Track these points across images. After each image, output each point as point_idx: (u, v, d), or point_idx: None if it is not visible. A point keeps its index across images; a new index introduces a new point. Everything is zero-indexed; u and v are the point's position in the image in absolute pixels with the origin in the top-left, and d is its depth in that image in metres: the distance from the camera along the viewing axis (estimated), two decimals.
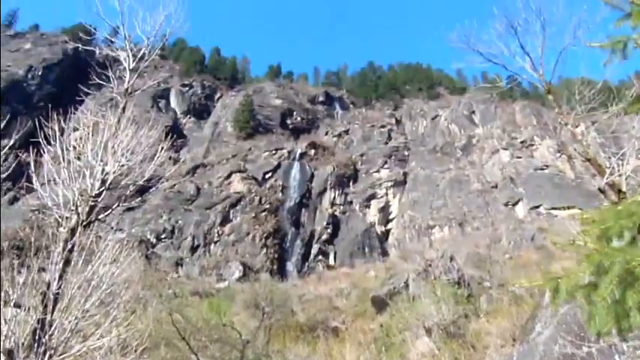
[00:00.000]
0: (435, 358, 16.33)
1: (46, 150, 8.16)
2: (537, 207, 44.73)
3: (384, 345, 18.14)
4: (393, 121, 64.58)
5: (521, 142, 54.27)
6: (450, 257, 25.39)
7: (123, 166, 8.36)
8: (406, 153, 57.44)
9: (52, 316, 6.98)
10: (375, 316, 22.75)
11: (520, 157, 52.32)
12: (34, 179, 8.04)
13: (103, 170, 8.27)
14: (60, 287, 7.27)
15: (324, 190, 48.73)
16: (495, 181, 51.17)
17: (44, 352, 6.48)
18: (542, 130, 52.70)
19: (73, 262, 7.61)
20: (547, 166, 49.87)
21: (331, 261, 42.61)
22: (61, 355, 6.60)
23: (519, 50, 10.00)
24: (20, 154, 8.49)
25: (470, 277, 25.06)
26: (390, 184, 52.76)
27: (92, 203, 8.17)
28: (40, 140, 8.19)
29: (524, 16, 10.03)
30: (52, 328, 6.90)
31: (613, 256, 2.65)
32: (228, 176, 45.53)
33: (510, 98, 60.51)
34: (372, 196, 51.41)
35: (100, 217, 8.48)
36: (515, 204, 46.86)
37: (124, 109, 9.17)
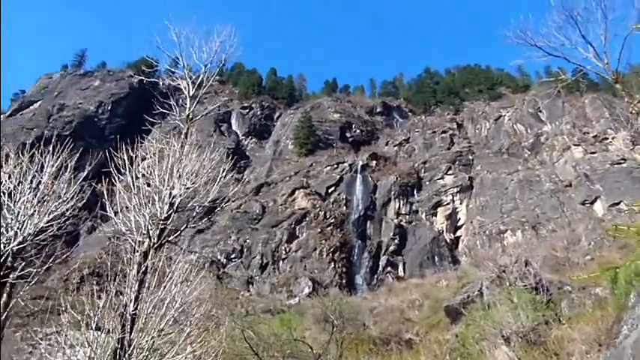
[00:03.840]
0: None
1: (117, 179, 8.63)
2: (617, 204, 42.07)
3: (460, 356, 17.60)
4: (455, 125, 63.20)
5: (594, 137, 51.45)
6: (525, 262, 24.35)
7: (188, 188, 8.71)
8: (470, 157, 55.94)
9: (130, 335, 7.31)
10: (449, 326, 22.15)
11: (594, 153, 49.55)
12: (108, 207, 8.52)
13: (171, 194, 8.63)
14: (136, 308, 7.61)
15: (389, 200, 48.31)
16: (569, 179, 48.73)
17: None
18: (615, 122, 49.77)
19: (147, 284, 7.96)
20: (624, 159, 46.92)
21: (400, 272, 42.01)
22: None
23: (580, 40, 9.55)
24: (94, 185, 9.01)
25: (548, 281, 23.88)
26: (455, 190, 51.52)
27: (162, 226, 8.52)
28: (112, 170, 8.68)
29: (584, 5, 9.58)
30: (131, 348, 7.22)
31: None
32: (292, 193, 46.16)
33: (578, 92, 57.61)
34: (438, 204, 50.39)
35: (170, 238, 8.83)
36: (592, 202, 44.36)
37: (186, 134, 9.58)
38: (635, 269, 2.54)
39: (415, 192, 50.96)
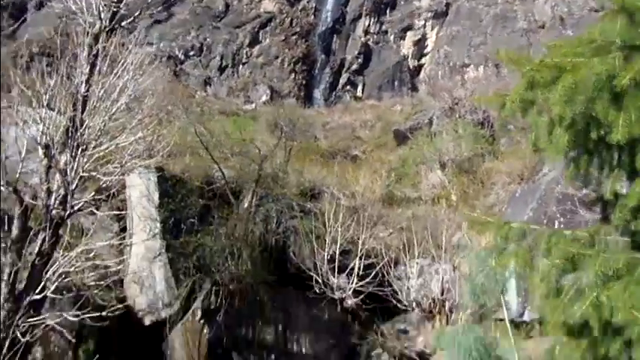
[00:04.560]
0: (444, 190, 17.22)
1: None
2: None
3: (398, 175, 19.05)
4: None
5: None
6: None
7: None
8: None
9: (82, 116, 7.50)
10: (394, 148, 23.40)
11: None
12: None
13: None
14: (88, 90, 7.68)
15: (359, 16, 46.46)
16: (544, 20, 47.81)
17: (77, 147, 7.12)
18: None
19: (98, 68, 7.92)
20: (603, 8, 45.90)
21: (359, 92, 42.49)
22: (92, 150, 7.25)
23: None
24: None
25: (495, 118, 24.97)
26: (429, 14, 49.75)
27: (114, 9, 8.19)
28: None
29: None
30: (83, 128, 7.46)
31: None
32: None
33: None
34: (409, 27, 48.99)
35: (123, 23, 8.55)
36: None
37: None
38: (520, 98, 2.82)
39: (388, 11, 48.96)
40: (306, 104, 35.86)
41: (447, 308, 11.39)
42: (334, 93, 43.62)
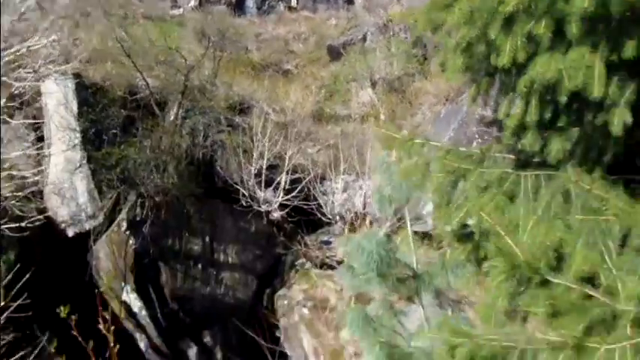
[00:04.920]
0: (373, 107, 17.53)
1: None
2: None
3: (329, 91, 19.10)
4: None
5: None
6: (413, 12, 24.92)
7: None
8: None
9: None
10: (327, 64, 23.15)
11: None
12: None
13: None
14: None
15: None
16: None
17: None
18: None
19: None
20: None
21: (293, 2, 40.98)
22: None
23: None
24: None
25: (429, 39, 25.08)
26: None
27: None
28: None
29: None
30: None
31: None
32: None
33: None
34: None
35: None
36: None
37: None
38: (429, 18, 2.94)
39: None
40: (238, 13, 34.14)
41: (367, 221, 12.02)
42: (267, 2, 41.77)
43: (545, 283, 2.25)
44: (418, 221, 10.33)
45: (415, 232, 10.55)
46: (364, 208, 12.31)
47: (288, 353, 10.79)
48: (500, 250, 2.22)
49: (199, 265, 12.26)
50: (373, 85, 18.66)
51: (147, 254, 11.82)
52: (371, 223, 11.70)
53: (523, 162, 3.52)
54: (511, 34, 2.62)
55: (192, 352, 11.68)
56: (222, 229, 12.53)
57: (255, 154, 12.50)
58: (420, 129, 15.95)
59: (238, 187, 12.10)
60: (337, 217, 12.40)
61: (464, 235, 3.38)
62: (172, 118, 12.79)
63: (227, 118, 13.46)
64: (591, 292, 2.18)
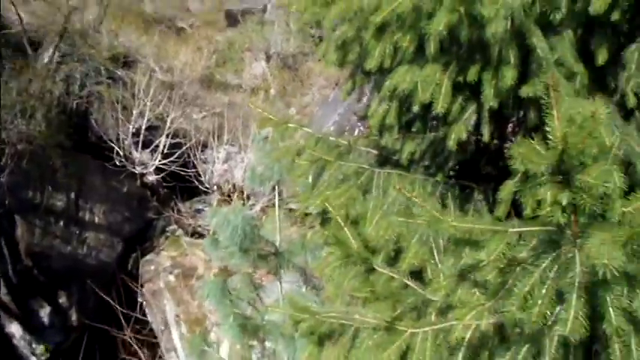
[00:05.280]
0: (265, 81, 17.51)
1: None
2: None
3: (222, 58, 18.69)
4: None
5: None
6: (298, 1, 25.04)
7: None
8: None
9: None
10: (224, 28, 22.56)
11: None
12: None
13: None
14: None
15: None
16: None
17: None
18: None
19: None
20: None
21: None
22: None
23: None
24: None
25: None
26: None
27: None
28: None
29: None
30: None
31: None
32: None
33: None
34: None
35: None
36: None
37: None
38: (309, 10, 3.09)
39: None
40: None
41: (245, 194, 12.09)
42: None
43: (372, 271, 2.54)
44: (295, 198, 10.62)
45: (291, 210, 10.87)
46: (243, 181, 12.36)
47: (149, 319, 10.63)
48: (338, 239, 2.46)
49: (61, 222, 11.52)
50: (268, 58, 18.58)
51: (1, 204, 10.85)
52: (248, 197, 11.78)
53: (384, 158, 3.83)
54: (381, 41, 2.83)
55: (45, 312, 11.02)
56: (91, 186, 11.86)
57: (135, 112, 11.94)
58: (307, 109, 16.29)
59: (113, 145, 11.51)
60: (215, 187, 12.32)
61: (324, 219, 3.60)
62: (46, 61, 11.75)
63: (108, 69, 12.64)
64: (408, 282, 2.51)
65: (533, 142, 1.65)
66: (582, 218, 1.84)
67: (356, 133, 13.08)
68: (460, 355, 2.04)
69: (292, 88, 17.89)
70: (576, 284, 1.76)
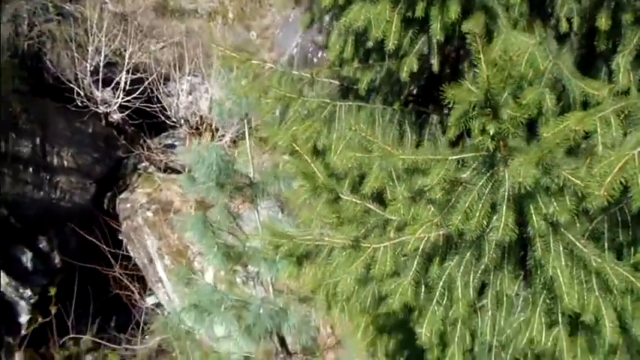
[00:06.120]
0: (221, 4, 16.89)
1: None
2: None
3: None
4: None
5: None
6: None
7: None
8: None
9: None
10: None
11: None
12: None
13: None
14: None
15: None
16: None
17: None
18: None
19: None
20: None
21: None
22: None
23: None
24: None
25: None
26: None
27: None
28: None
29: None
30: None
31: None
32: None
33: None
34: None
35: None
36: None
37: None
38: None
39: None
40: None
41: (213, 126, 12.12)
42: None
43: (338, 199, 2.86)
44: (264, 127, 10.72)
45: (261, 139, 11.01)
46: (210, 112, 12.34)
47: (132, 255, 10.99)
48: (305, 173, 2.74)
49: (30, 169, 11.49)
50: None
51: None
52: (217, 128, 11.85)
53: (345, 89, 4.06)
54: None
55: (27, 257, 11.25)
56: (55, 130, 11.72)
57: (90, 49, 11.58)
58: (268, 32, 15.94)
59: (72, 86, 11.26)
60: (182, 121, 12.29)
61: (294, 151, 3.87)
62: None
63: (56, 5, 12.08)
64: (370, 206, 2.86)
65: (464, 83, 1.92)
66: (514, 143, 2.17)
67: (320, 54, 13.01)
68: (415, 263, 2.43)
69: (251, 10, 17.34)
70: (506, 198, 2.12)
